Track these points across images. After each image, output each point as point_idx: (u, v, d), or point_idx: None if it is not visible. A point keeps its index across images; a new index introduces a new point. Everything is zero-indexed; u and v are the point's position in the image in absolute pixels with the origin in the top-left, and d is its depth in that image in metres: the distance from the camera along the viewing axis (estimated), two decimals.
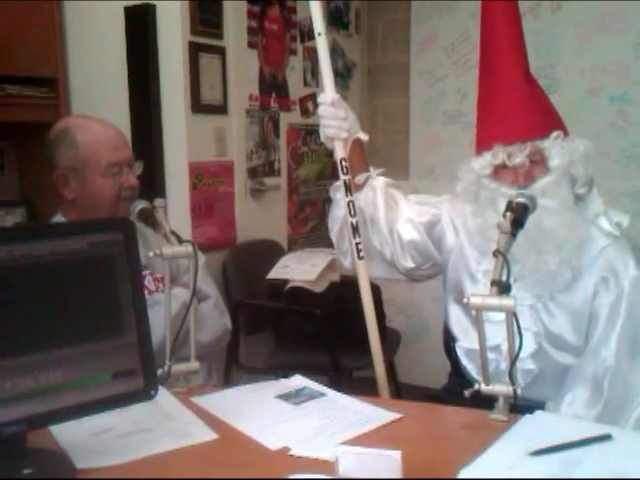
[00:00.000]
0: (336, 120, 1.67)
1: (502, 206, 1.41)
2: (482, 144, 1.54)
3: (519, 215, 1.33)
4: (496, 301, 1.21)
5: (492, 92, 1.54)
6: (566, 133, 1.51)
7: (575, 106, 2.97)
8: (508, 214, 1.32)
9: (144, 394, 1.16)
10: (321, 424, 1.24)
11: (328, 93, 1.68)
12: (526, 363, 1.51)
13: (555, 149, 1.46)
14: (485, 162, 1.50)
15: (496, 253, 1.26)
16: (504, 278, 1.22)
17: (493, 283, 1.22)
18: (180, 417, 1.28)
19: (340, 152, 1.68)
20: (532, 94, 1.50)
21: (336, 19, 3.46)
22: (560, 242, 1.45)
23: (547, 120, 1.49)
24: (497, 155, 1.47)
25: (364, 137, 1.74)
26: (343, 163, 1.68)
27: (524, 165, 1.45)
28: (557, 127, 1.48)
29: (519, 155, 1.45)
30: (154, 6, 2.59)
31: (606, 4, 3.06)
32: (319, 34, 1.67)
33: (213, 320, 1.76)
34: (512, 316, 1.22)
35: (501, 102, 1.51)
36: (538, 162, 1.47)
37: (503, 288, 1.21)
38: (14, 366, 1.02)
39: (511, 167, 1.46)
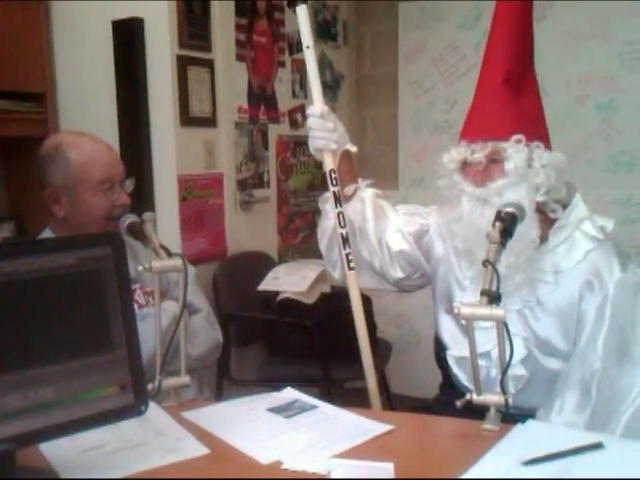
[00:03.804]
0: (325, 132, 1.68)
1: (464, 202, 1.49)
2: (457, 140, 1.57)
3: (508, 225, 1.33)
4: (486, 311, 1.21)
5: (474, 91, 1.57)
6: (537, 139, 1.50)
7: (561, 115, 2.99)
8: (497, 224, 1.33)
9: (134, 410, 1.15)
10: (313, 437, 1.23)
11: (317, 105, 1.69)
12: (517, 369, 1.51)
13: (512, 151, 1.47)
14: (451, 157, 1.53)
15: (485, 263, 1.26)
16: (494, 288, 1.23)
17: (483, 293, 1.22)
18: (171, 432, 1.27)
19: (329, 163, 1.69)
20: (506, 96, 1.50)
21: (324, 31, 3.48)
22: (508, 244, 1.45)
23: (513, 123, 1.49)
24: (460, 151, 1.50)
25: (353, 149, 1.75)
26: (332, 174, 1.69)
27: (480, 163, 1.48)
28: (522, 131, 1.48)
29: (478, 153, 1.48)
30: (142, 20, 2.59)
31: (591, 13, 3.09)
32: (307, 47, 1.68)
33: (204, 333, 1.76)
34: (502, 326, 1.22)
35: (475, 101, 1.55)
36: (498, 163, 1.48)
37: (493, 298, 1.22)
38: (3, 384, 1.01)
39: (471, 164, 1.49)
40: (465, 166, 1.52)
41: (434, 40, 3.49)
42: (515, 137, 1.47)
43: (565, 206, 1.54)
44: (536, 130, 1.53)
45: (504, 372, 1.26)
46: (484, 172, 1.48)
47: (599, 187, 2.87)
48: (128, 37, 2.60)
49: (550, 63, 3.14)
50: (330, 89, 3.52)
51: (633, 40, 3.04)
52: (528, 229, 1.46)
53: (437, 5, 3.45)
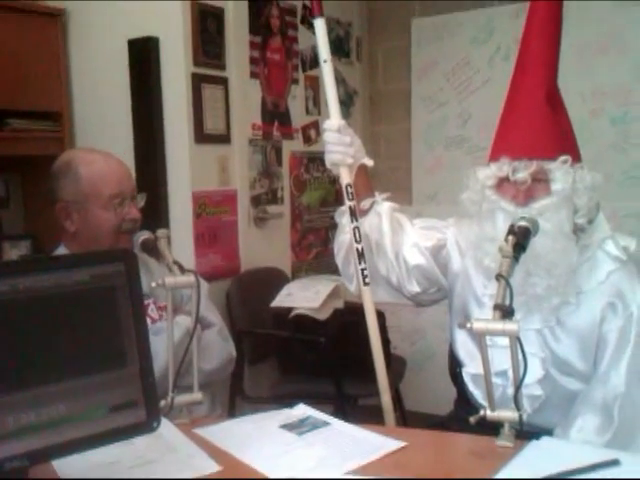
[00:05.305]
0: (342, 146, 1.67)
1: (500, 220, 1.45)
2: (491, 155, 1.54)
3: (521, 239, 1.32)
4: (499, 325, 1.20)
5: (512, 106, 1.54)
6: (577, 160, 1.49)
7: (576, 128, 2.96)
8: (510, 237, 1.32)
9: (146, 426, 1.14)
10: (325, 454, 1.22)
11: (334, 119, 1.68)
12: (533, 389, 1.49)
13: (560, 173, 1.45)
14: (490, 172, 1.50)
15: (498, 277, 1.25)
16: (507, 302, 1.22)
17: (496, 307, 1.21)
18: (183, 449, 1.27)
19: (346, 178, 1.69)
20: (550, 115, 1.49)
21: (337, 47, 3.50)
22: (549, 266, 1.44)
23: (559, 143, 1.48)
24: (502, 168, 1.47)
25: (369, 163, 1.74)
26: (349, 189, 1.68)
27: (525, 182, 1.45)
28: (568, 152, 1.47)
29: (523, 171, 1.44)
30: (157, 39, 2.63)
31: (606, 26, 3.09)
32: (325, 61, 1.69)
33: (217, 347, 1.76)
34: (516, 341, 1.21)
35: (517, 117, 1.51)
36: (541, 183, 1.46)
37: (506, 312, 1.21)
38: (16, 400, 1.01)
39: (513, 182, 1.46)
40: (502, 183, 1.49)
41: (447, 55, 3.50)
42: (562, 158, 1.45)
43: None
44: (576, 150, 1.52)
45: (518, 387, 1.25)
46: (527, 191, 1.46)
47: (614, 201, 2.84)
48: (143, 56, 2.64)
49: (564, 76, 3.13)
50: (343, 105, 3.53)
51: None
52: (569, 253, 1.45)
53: (450, 21, 3.47)
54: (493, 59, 3.35)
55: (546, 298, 1.46)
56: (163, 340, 1.47)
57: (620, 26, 3.07)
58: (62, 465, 1.16)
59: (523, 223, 1.35)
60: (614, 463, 1.11)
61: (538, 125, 1.48)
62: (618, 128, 3.12)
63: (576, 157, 1.50)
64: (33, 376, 1.03)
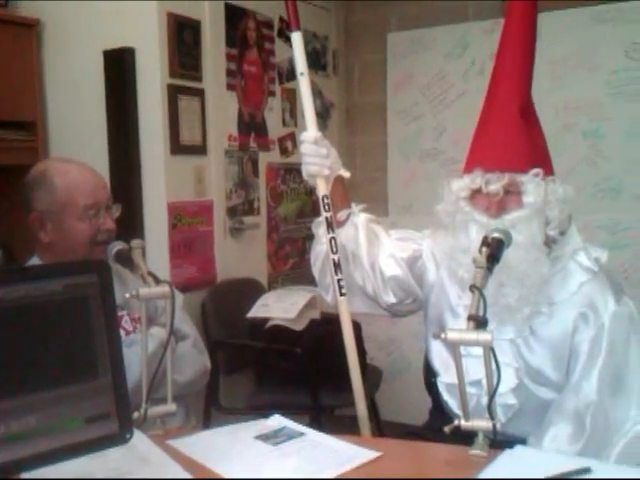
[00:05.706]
0: (318, 158, 1.68)
1: (473, 232, 1.46)
2: (465, 167, 1.55)
3: (495, 250, 1.34)
4: (473, 336, 1.21)
5: (486, 119, 1.56)
6: (549, 173, 1.51)
7: (549, 142, 3.02)
8: (484, 249, 1.34)
9: (119, 438, 1.13)
10: (300, 465, 1.22)
11: (310, 131, 1.70)
12: (507, 398, 1.50)
13: (531, 186, 1.47)
14: (463, 184, 1.51)
15: (472, 288, 1.27)
16: (481, 313, 1.23)
17: (470, 318, 1.23)
18: (156, 461, 1.25)
19: (322, 189, 1.70)
20: (523, 128, 1.50)
21: (314, 61, 3.52)
22: (521, 277, 1.46)
23: (531, 156, 1.49)
24: (475, 180, 1.48)
25: (346, 174, 1.75)
26: (325, 200, 1.69)
27: (498, 194, 1.46)
28: (540, 165, 1.49)
29: (495, 183, 1.46)
30: (133, 49, 2.62)
31: (578, 43, 3.15)
32: (301, 74, 1.70)
33: (191, 360, 1.75)
34: (489, 351, 1.22)
35: (491, 130, 1.53)
36: (514, 195, 1.48)
37: (480, 323, 1.22)
38: None
39: (486, 194, 1.48)
40: (476, 195, 1.51)
41: (422, 69, 3.54)
42: (533, 171, 1.47)
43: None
44: (548, 163, 1.53)
45: (491, 397, 1.26)
46: (499, 203, 1.47)
47: (585, 213, 2.89)
48: (119, 66, 2.63)
49: (537, 91, 3.17)
50: (320, 117, 3.55)
51: (619, 69, 3.10)
52: (540, 264, 1.47)
53: (425, 35, 3.51)
54: (468, 73, 3.40)
55: (518, 309, 1.48)
56: (137, 352, 1.46)
57: (593, 42, 3.13)
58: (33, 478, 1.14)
59: (496, 235, 1.37)
60: (585, 471, 1.12)
61: (511, 138, 1.50)
62: (590, 142, 3.18)
63: (548, 170, 1.51)
64: (3, 388, 1.02)
